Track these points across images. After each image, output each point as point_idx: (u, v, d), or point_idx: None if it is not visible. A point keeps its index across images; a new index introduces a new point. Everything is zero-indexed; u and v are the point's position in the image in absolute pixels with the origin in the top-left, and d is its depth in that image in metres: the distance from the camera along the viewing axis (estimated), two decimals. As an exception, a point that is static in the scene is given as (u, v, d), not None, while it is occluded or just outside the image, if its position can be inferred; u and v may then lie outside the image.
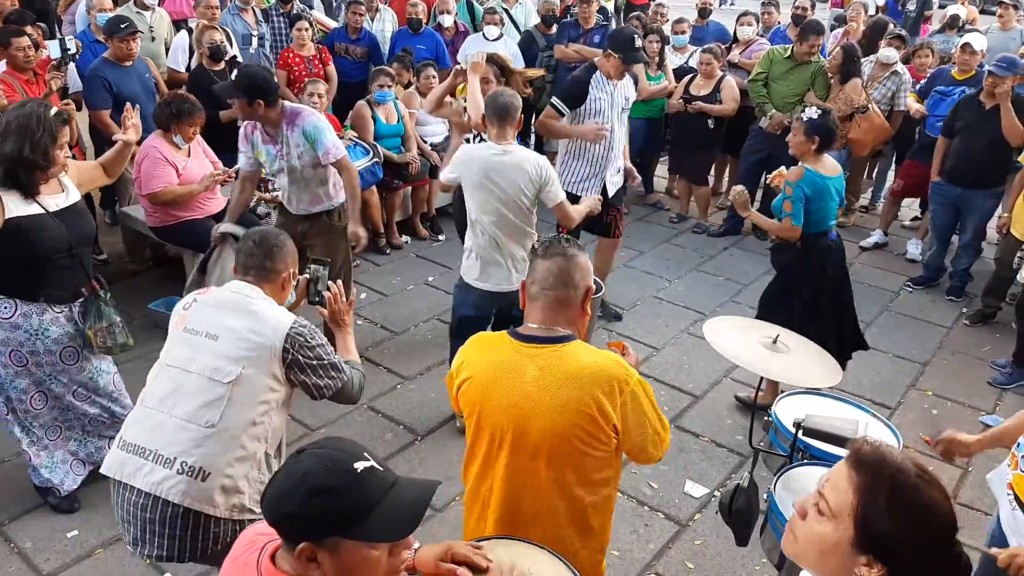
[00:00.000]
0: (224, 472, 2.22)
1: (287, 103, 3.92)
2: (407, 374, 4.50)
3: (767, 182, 4.66)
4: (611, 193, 4.72)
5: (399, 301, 5.35)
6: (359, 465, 1.35)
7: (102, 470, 2.37)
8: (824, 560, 1.33)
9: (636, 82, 4.87)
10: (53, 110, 2.93)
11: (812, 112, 3.82)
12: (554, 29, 7.12)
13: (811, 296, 3.98)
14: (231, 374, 2.23)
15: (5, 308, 2.97)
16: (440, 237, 6.32)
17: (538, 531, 2.05)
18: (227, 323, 2.29)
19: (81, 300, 3.12)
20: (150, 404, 2.31)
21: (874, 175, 7.54)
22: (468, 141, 4.26)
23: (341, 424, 4.01)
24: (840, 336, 4.11)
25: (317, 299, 2.72)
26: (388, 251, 6.01)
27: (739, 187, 4.11)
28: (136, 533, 2.29)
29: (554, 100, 4.58)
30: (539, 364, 1.96)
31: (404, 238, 6.20)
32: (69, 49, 5.11)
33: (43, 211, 2.92)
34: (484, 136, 3.91)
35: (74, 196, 3.08)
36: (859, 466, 1.31)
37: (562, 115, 4.54)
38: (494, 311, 3.78)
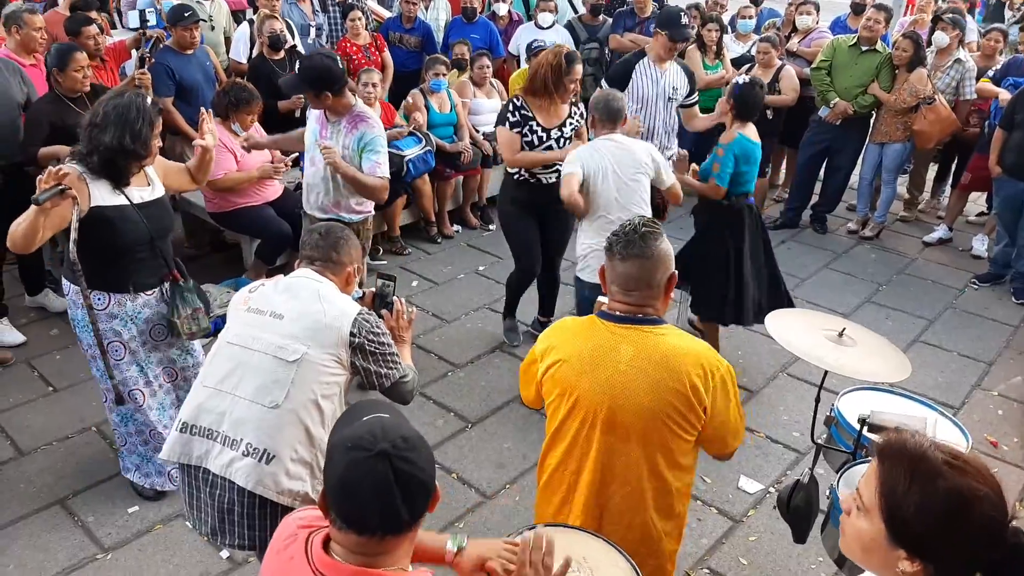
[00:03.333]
0: (289, 456, 2.18)
1: (359, 103, 3.77)
2: (458, 362, 4.51)
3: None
4: None
5: (450, 289, 5.36)
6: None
7: (162, 456, 2.33)
8: (868, 556, 1.31)
9: (691, 77, 4.79)
10: (149, 99, 2.95)
11: (740, 78, 4.13)
12: (600, 19, 7.02)
13: (731, 253, 4.19)
14: (296, 352, 2.20)
15: (99, 300, 2.99)
16: (491, 227, 6.30)
17: (625, 516, 2.06)
18: (295, 304, 2.27)
19: (163, 289, 3.12)
20: (211, 383, 2.27)
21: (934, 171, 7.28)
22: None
23: (393, 410, 4.04)
24: (770, 293, 4.33)
25: (381, 313, 2.70)
26: (439, 240, 6.03)
27: (683, 151, 4.35)
28: (213, 524, 2.26)
29: (603, 83, 4.63)
30: (634, 344, 1.98)
31: (455, 227, 6.21)
32: (148, 21, 5.15)
33: (128, 202, 2.93)
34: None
35: (159, 190, 3.08)
36: (881, 456, 1.29)
37: None
38: None
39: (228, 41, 6.69)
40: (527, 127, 4.00)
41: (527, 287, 4.55)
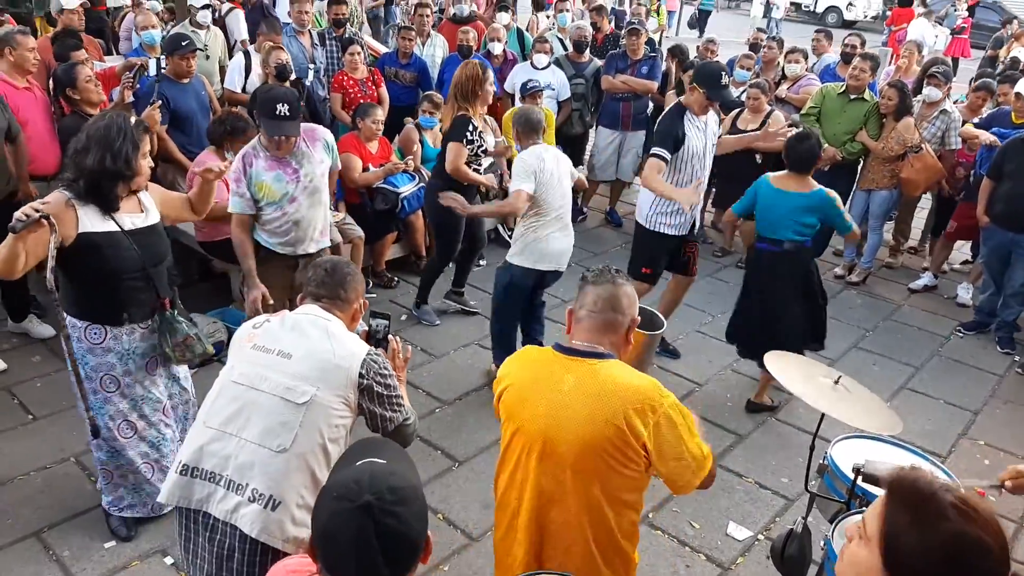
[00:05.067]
0: (295, 502, 2.10)
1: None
2: (446, 398, 4.47)
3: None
4: (696, 230, 4.72)
5: (439, 325, 5.33)
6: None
7: (161, 499, 2.23)
8: None
9: (720, 117, 4.79)
10: (133, 119, 2.92)
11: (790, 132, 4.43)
12: (586, 56, 7.12)
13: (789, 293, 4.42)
14: (306, 394, 2.13)
15: (95, 334, 2.94)
16: (481, 262, 6.30)
17: (565, 546, 2.08)
18: (303, 343, 2.21)
19: (154, 319, 3.07)
20: (215, 424, 2.18)
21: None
22: None
23: (379, 446, 3.98)
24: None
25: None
26: (429, 274, 6.02)
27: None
28: (210, 570, 2.17)
29: (655, 150, 4.35)
30: (576, 375, 2.03)
31: (446, 262, 6.21)
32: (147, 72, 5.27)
33: (118, 229, 2.87)
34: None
35: (153, 217, 3.03)
36: (891, 490, 1.30)
37: (666, 162, 4.34)
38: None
39: (223, 70, 6.72)
40: (477, 141, 4.83)
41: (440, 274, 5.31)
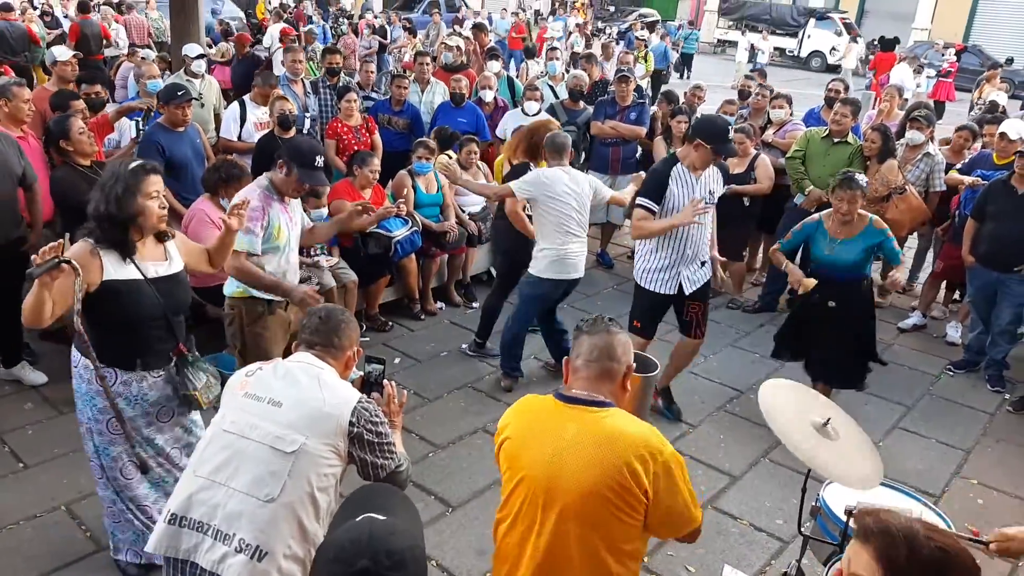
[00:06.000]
0: (282, 552, 2.10)
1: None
2: (439, 442, 4.46)
3: (795, 292, 4.80)
4: (689, 290, 4.43)
5: (432, 367, 5.34)
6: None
7: (149, 548, 2.22)
8: None
9: (725, 172, 4.54)
10: (134, 164, 2.90)
11: (864, 177, 4.46)
12: (580, 104, 7.27)
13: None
14: (295, 443, 2.14)
15: (105, 375, 2.92)
16: (474, 304, 6.34)
17: None
18: (293, 392, 2.23)
19: (173, 364, 3.04)
20: (204, 473, 2.19)
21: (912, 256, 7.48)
22: None
23: (372, 492, 3.96)
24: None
25: (371, 397, 2.69)
26: (423, 317, 6.05)
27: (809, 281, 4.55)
28: None
29: (640, 200, 4.30)
30: (578, 424, 2.05)
31: (439, 304, 6.24)
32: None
33: (141, 276, 2.88)
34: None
35: (176, 266, 3.04)
36: (868, 537, 1.37)
37: (652, 212, 4.24)
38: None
39: (217, 118, 6.83)
40: None
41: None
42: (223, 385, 2.49)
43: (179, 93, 5.29)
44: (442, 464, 4.28)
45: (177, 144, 5.30)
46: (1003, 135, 5.83)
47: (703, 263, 4.48)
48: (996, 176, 5.58)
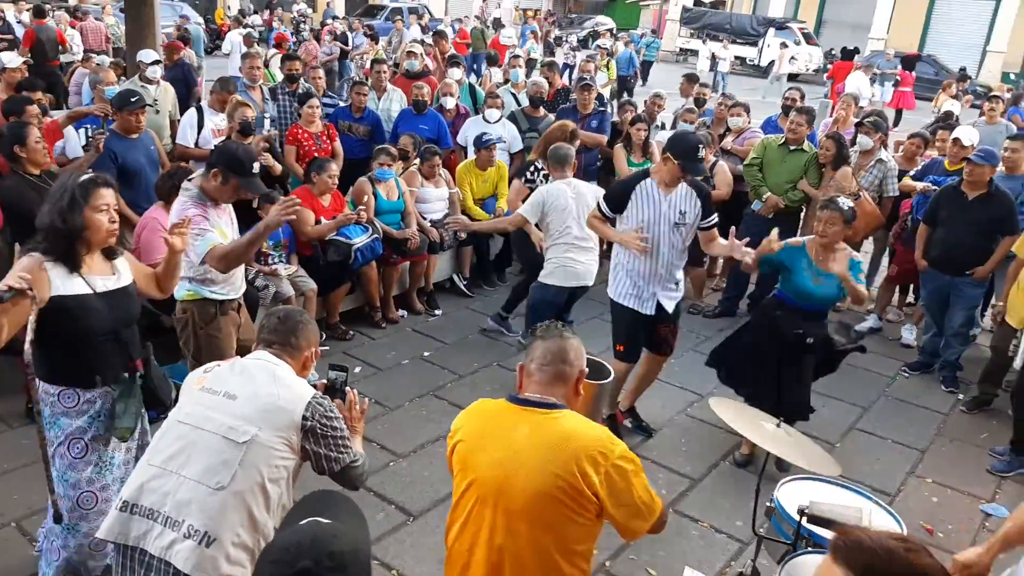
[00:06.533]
0: (230, 540, 2.13)
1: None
2: (400, 451, 4.43)
3: (756, 299, 4.72)
4: (669, 309, 4.37)
5: (393, 376, 5.31)
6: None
7: (100, 534, 2.25)
8: None
9: (706, 197, 4.23)
10: (84, 176, 2.84)
11: (849, 202, 4.13)
12: (541, 111, 7.31)
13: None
14: (247, 434, 2.19)
15: (69, 398, 2.85)
16: (436, 312, 6.32)
17: None
18: (249, 386, 2.28)
19: (118, 386, 2.94)
20: (156, 462, 2.23)
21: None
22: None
23: (332, 502, 3.92)
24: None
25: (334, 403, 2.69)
26: (384, 325, 6.00)
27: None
28: None
29: (599, 200, 4.33)
30: (530, 425, 2.07)
31: (401, 312, 6.21)
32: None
33: (90, 291, 2.81)
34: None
35: (125, 279, 2.97)
36: (847, 560, 1.35)
37: (607, 217, 4.24)
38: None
39: (174, 125, 6.73)
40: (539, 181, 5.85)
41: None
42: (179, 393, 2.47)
43: (132, 99, 5.19)
44: (403, 473, 4.24)
45: (130, 151, 5.20)
46: (956, 140, 5.98)
47: (677, 283, 4.40)
48: (947, 182, 5.72)
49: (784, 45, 21.74)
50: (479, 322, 6.21)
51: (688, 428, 4.88)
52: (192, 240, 3.39)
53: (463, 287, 6.77)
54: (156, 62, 6.81)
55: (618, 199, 4.23)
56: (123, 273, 2.99)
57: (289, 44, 10.62)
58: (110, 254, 2.94)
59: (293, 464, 2.29)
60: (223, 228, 3.64)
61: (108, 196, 2.85)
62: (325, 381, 2.66)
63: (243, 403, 2.24)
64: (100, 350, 2.86)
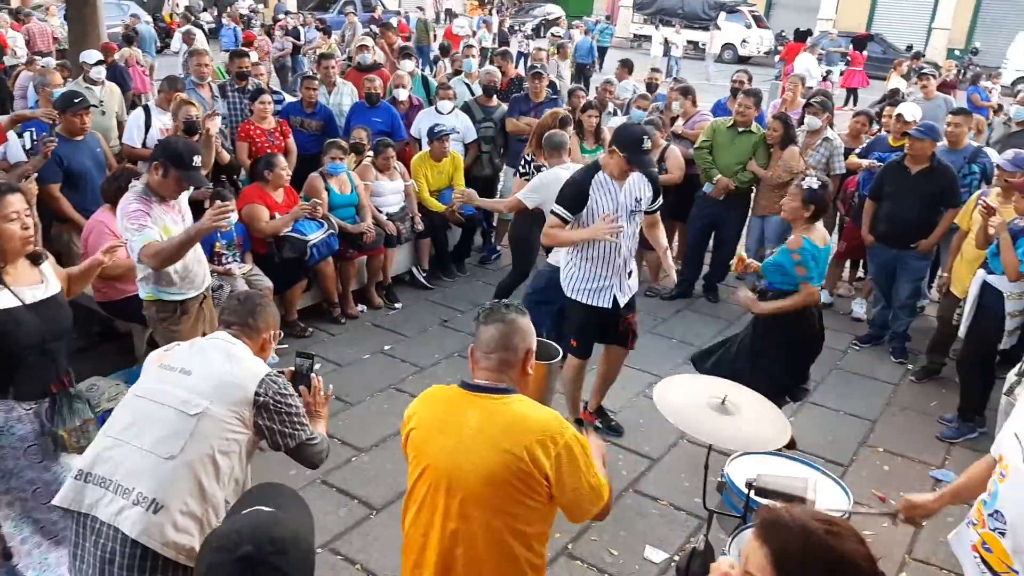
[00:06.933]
0: (178, 508, 2.18)
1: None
2: (362, 446, 4.44)
3: (732, 269, 4.61)
4: (623, 302, 4.31)
5: (354, 371, 5.30)
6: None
7: (55, 502, 2.29)
8: None
9: (655, 180, 4.24)
10: None
11: (812, 181, 3.95)
12: (495, 100, 7.32)
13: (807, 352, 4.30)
14: (198, 406, 2.26)
15: None
16: (396, 305, 6.32)
17: None
18: (204, 362, 2.35)
19: (50, 398, 2.90)
20: (112, 433, 2.30)
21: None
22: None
23: (294, 499, 3.92)
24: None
25: (299, 390, 2.71)
26: (343, 321, 5.99)
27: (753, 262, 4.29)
28: (93, 574, 2.20)
29: (555, 208, 4.12)
30: (480, 410, 2.11)
31: (360, 307, 6.19)
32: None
33: (19, 303, 2.74)
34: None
35: (54, 288, 2.92)
36: (766, 536, 1.36)
37: (566, 222, 4.10)
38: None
39: (120, 125, 6.61)
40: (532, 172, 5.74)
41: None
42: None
43: (76, 100, 5.10)
44: (365, 467, 4.26)
45: (76, 154, 5.12)
46: (899, 116, 6.12)
47: (631, 273, 4.35)
48: (891, 158, 5.85)
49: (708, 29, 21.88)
50: (439, 314, 6.22)
51: (646, 409, 4.94)
52: (130, 235, 3.44)
53: (422, 279, 6.77)
54: (100, 62, 6.69)
55: (575, 199, 4.08)
56: (51, 280, 2.95)
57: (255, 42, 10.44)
58: (35, 259, 2.90)
59: (246, 439, 2.34)
60: (168, 225, 3.61)
61: (16, 203, 2.77)
62: (292, 368, 2.71)
63: (197, 379, 2.32)
64: (23, 364, 2.78)
